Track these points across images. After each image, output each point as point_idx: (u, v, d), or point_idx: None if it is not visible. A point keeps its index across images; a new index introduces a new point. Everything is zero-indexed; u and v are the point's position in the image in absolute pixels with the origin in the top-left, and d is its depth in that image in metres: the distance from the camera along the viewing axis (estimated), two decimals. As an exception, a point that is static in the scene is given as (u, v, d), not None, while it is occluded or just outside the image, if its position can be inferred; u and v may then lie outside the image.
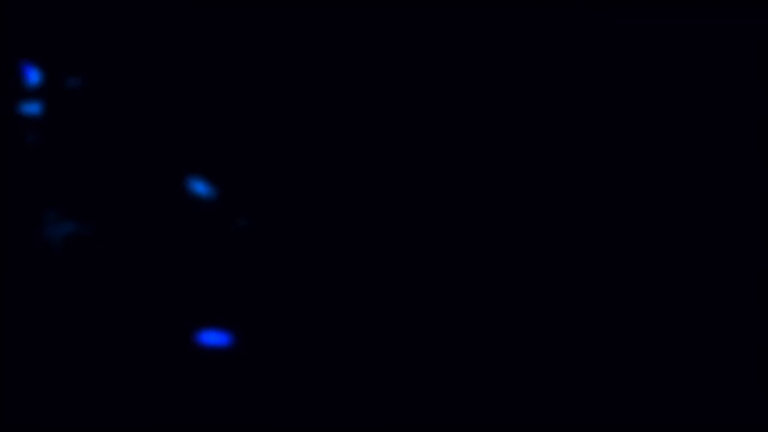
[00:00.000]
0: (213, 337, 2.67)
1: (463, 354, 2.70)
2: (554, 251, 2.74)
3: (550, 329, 2.70)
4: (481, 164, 2.78)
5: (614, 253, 2.73)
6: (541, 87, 2.80)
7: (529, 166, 2.77)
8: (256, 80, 2.74)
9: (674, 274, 2.71)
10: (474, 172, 2.78)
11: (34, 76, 2.68)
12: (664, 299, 2.70)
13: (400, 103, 2.79)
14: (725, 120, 2.76)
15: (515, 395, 2.67)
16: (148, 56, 2.72)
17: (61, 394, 2.57)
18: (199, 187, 2.63)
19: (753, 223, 2.71)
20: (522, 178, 2.77)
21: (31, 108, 2.64)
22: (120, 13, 2.70)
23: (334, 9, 2.78)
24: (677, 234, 2.73)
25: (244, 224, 2.65)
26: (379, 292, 2.71)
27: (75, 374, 2.61)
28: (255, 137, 2.70)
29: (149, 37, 2.72)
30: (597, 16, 2.78)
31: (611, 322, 2.70)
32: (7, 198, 2.60)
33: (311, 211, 2.72)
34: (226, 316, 2.68)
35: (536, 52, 2.80)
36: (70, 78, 2.66)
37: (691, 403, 2.63)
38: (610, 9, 2.78)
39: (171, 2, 2.72)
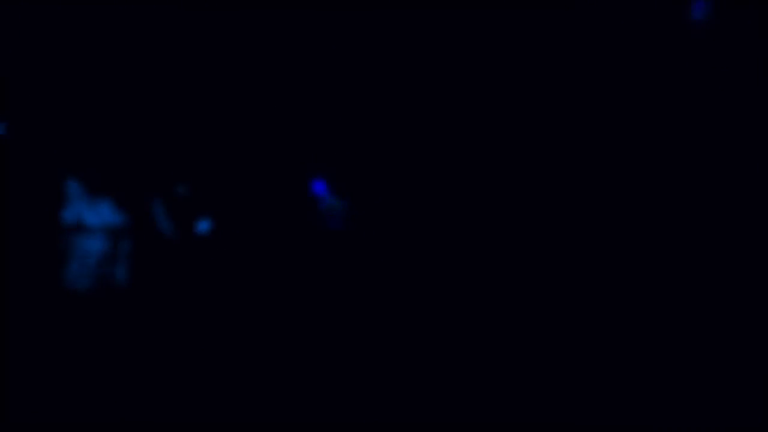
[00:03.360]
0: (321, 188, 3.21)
1: (464, 354, 2.75)
2: (555, 251, 2.75)
3: (550, 329, 2.73)
4: (480, 165, 2.80)
5: (614, 253, 2.73)
6: (541, 86, 2.79)
7: (529, 166, 2.78)
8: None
9: (674, 273, 2.70)
10: (473, 173, 2.80)
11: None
12: (664, 299, 2.69)
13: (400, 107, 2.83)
14: (725, 117, 2.70)
15: (515, 395, 2.70)
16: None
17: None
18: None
19: (753, 222, 2.66)
20: (522, 178, 2.78)
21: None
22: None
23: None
24: (677, 233, 2.71)
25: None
26: (378, 295, 2.79)
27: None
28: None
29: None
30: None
31: (611, 322, 2.71)
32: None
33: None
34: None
35: (534, 53, 2.79)
36: None
37: (692, 402, 2.63)
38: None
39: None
